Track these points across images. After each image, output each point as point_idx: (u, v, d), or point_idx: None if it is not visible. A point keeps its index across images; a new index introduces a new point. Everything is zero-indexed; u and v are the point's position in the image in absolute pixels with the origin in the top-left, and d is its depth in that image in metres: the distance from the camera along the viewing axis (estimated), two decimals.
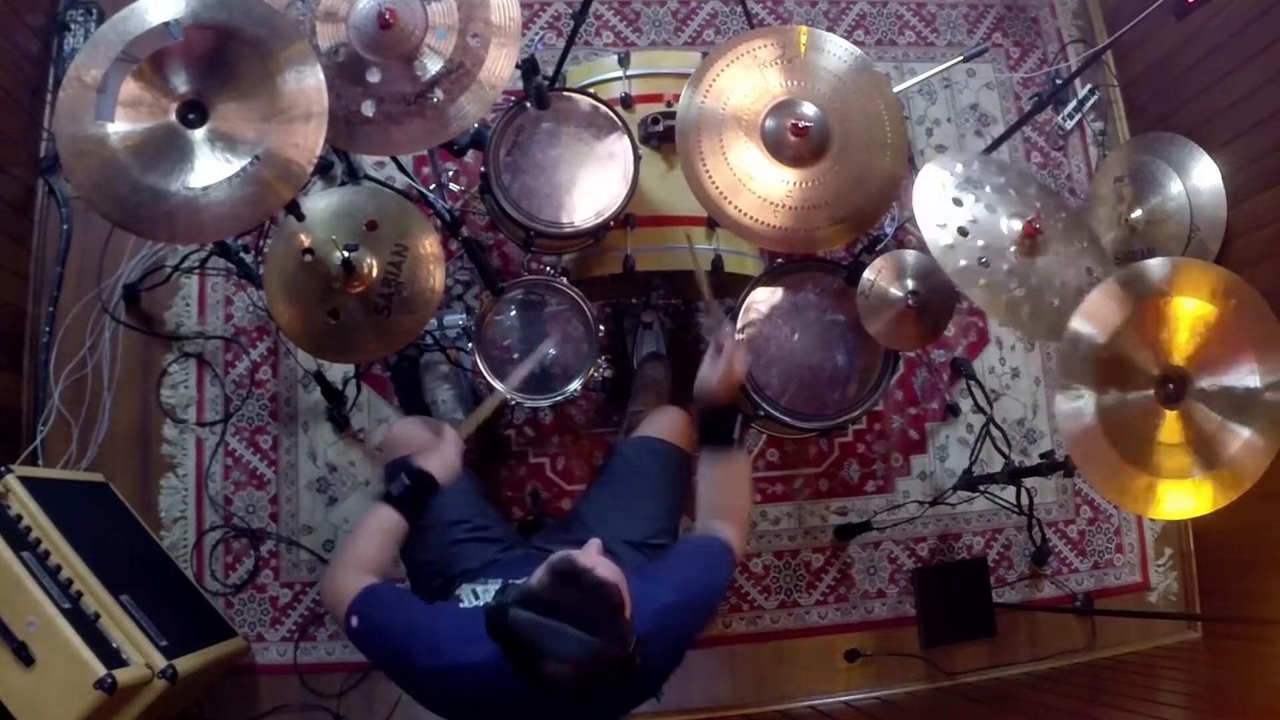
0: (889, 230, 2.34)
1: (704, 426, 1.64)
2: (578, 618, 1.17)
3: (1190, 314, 1.72)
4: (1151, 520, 2.75)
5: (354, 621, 1.40)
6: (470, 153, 2.13)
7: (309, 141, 1.48)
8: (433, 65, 1.63)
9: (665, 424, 1.99)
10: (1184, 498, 1.68)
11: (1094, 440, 1.68)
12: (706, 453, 1.62)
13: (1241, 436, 1.68)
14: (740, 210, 1.77)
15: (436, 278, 1.80)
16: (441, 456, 1.64)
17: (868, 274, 2.06)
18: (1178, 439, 1.69)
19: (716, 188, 1.76)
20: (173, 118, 1.48)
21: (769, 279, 2.14)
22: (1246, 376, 1.70)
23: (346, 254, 1.70)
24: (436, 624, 1.40)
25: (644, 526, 1.81)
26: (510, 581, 1.38)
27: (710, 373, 1.58)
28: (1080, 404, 1.69)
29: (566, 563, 1.22)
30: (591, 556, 1.25)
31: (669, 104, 2.10)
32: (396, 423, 1.94)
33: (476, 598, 1.52)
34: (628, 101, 2.11)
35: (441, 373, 2.38)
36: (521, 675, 1.22)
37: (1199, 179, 2.56)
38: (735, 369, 1.57)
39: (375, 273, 1.78)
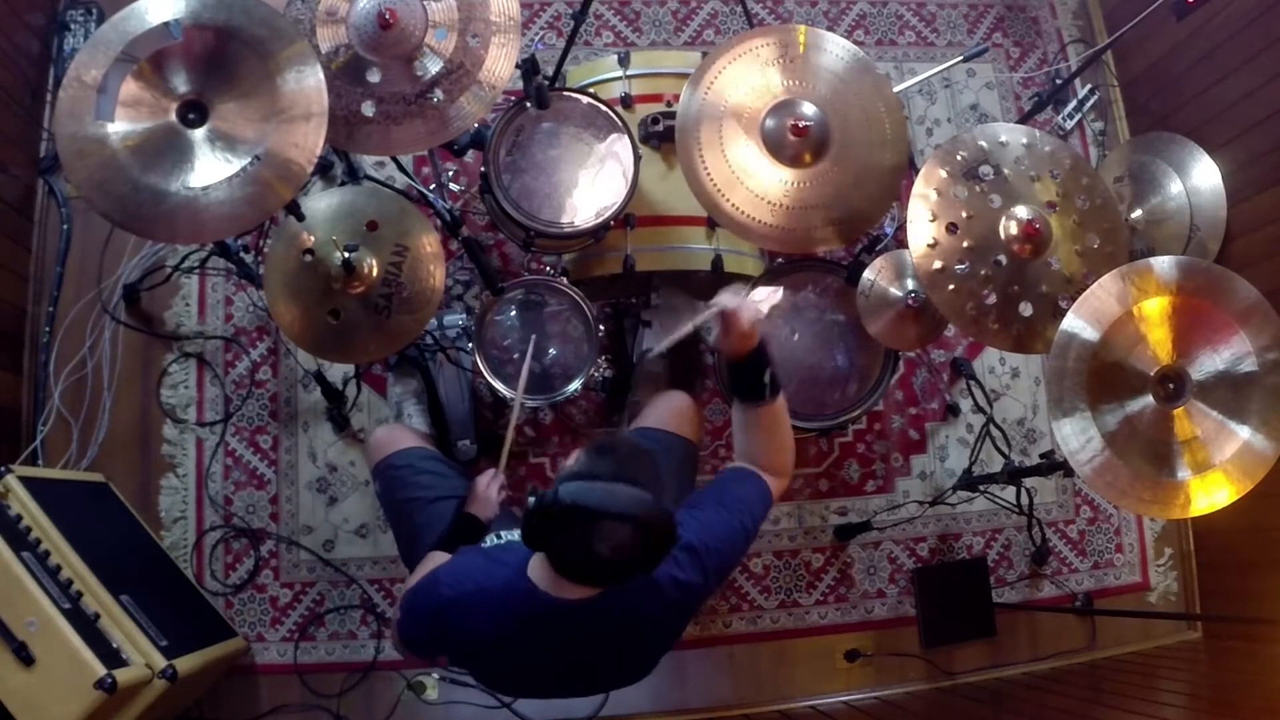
0: (889, 230, 2.34)
1: (734, 380, 1.58)
2: (626, 478, 1.20)
3: (1157, 310, 1.71)
4: (1152, 520, 2.76)
5: (398, 614, 1.44)
6: (470, 153, 2.13)
7: (309, 141, 1.48)
8: (433, 65, 1.63)
9: (669, 414, 1.96)
10: (1217, 488, 1.67)
11: (1114, 469, 1.67)
12: (738, 409, 1.57)
13: (1252, 408, 1.68)
14: (739, 209, 1.77)
15: (436, 278, 1.80)
16: (480, 498, 1.73)
17: (868, 274, 2.06)
18: (1193, 432, 1.68)
19: (715, 187, 1.76)
20: (173, 118, 1.48)
21: (769, 279, 2.14)
22: (1239, 354, 1.69)
23: (347, 254, 1.70)
24: (460, 562, 1.44)
25: None
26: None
27: (721, 340, 1.51)
28: (1085, 434, 1.68)
29: (601, 436, 1.27)
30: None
31: (669, 104, 2.10)
32: (377, 429, 1.96)
33: (499, 538, 1.56)
34: (628, 101, 2.11)
35: (413, 389, 2.39)
36: (574, 561, 1.23)
37: (1199, 179, 2.56)
38: (740, 318, 1.45)
39: (375, 273, 1.78)
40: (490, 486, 1.75)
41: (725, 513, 1.46)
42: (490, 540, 1.59)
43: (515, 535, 1.58)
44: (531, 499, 1.24)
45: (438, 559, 1.61)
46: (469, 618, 1.36)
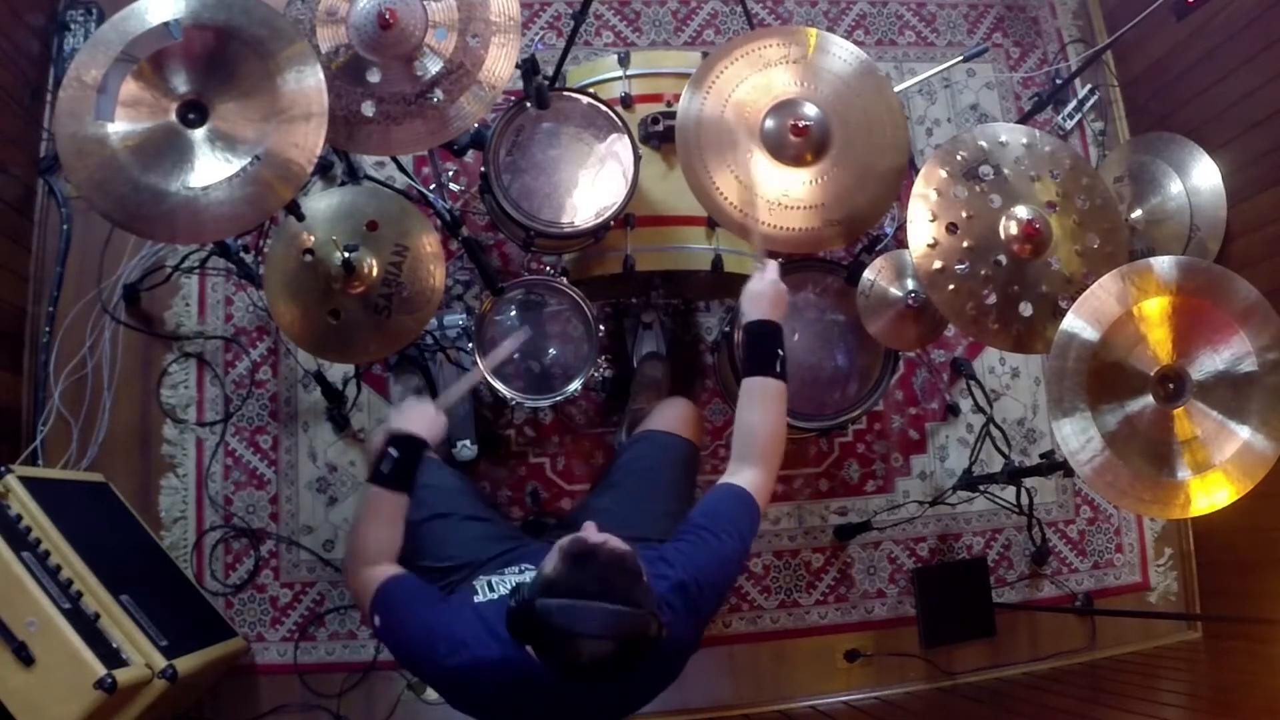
0: (889, 230, 2.34)
1: (748, 348, 1.62)
2: (604, 592, 1.19)
3: (1157, 310, 1.70)
4: (1152, 520, 2.76)
5: (377, 621, 1.42)
6: (470, 153, 2.13)
7: (309, 141, 1.48)
8: (433, 65, 1.63)
9: (673, 417, 1.98)
10: (1217, 488, 1.66)
11: (1114, 469, 1.66)
12: (748, 379, 1.59)
13: (1252, 408, 1.67)
14: (739, 209, 1.77)
15: (436, 278, 1.80)
16: (423, 417, 1.61)
17: (868, 274, 2.06)
18: (1193, 432, 1.68)
19: (715, 187, 1.76)
20: (173, 118, 1.48)
21: None
22: (1239, 354, 1.69)
23: (347, 254, 1.70)
24: (455, 621, 1.40)
25: (655, 524, 1.76)
26: (521, 583, 1.38)
27: (759, 284, 1.61)
28: (1085, 434, 1.68)
29: (578, 543, 1.25)
30: (598, 534, 1.27)
31: (669, 104, 2.10)
32: (377, 432, 1.94)
33: (492, 589, 1.50)
34: (628, 101, 2.11)
35: (414, 386, 2.39)
36: (556, 666, 1.23)
37: (1199, 179, 2.56)
38: (781, 285, 1.62)
39: (375, 273, 1.78)
40: (431, 409, 1.63)
41: (714, 539, 1.45)
42: (482, 590, 1.50)
43: (507, 584, 1.50)
44: (513, 603, 1.25)
45: (382, 502, 1.53)
46: (467, 684, 1.37)
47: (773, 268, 1.67)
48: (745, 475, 1.53)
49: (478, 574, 1.58)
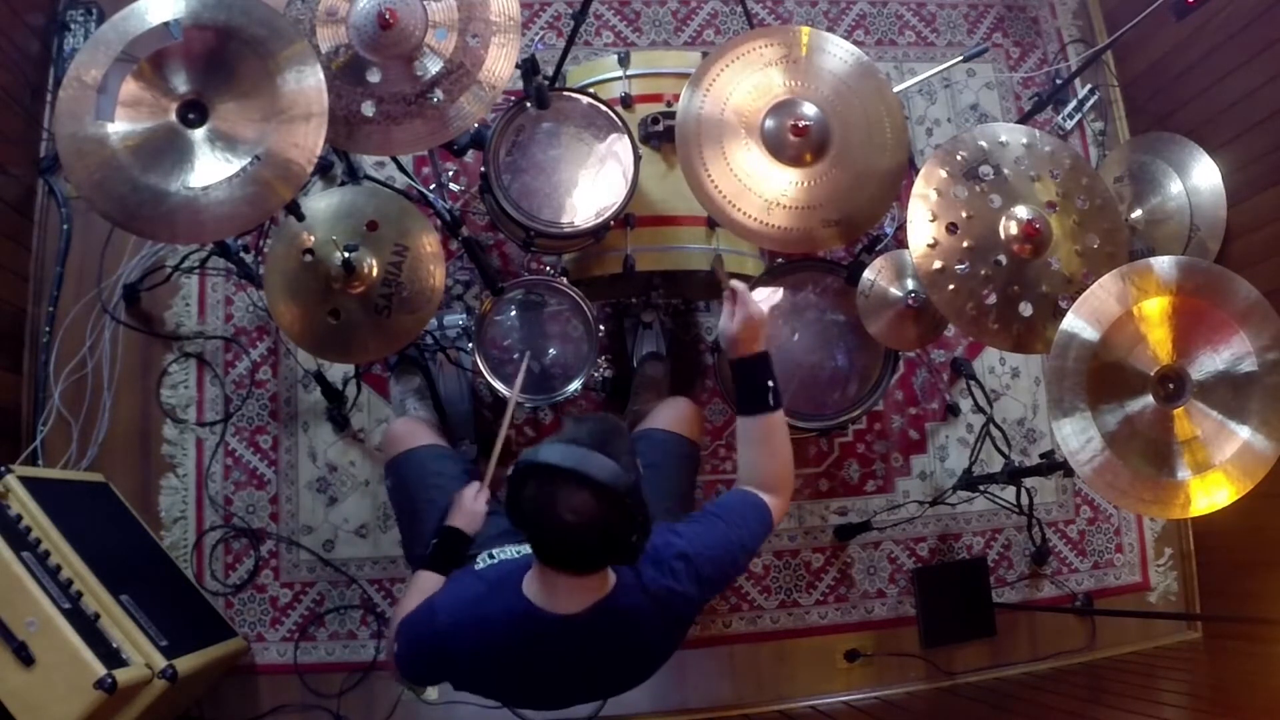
0: (889, 230, 2.34)
1: (738, 386, 1.58)
2: (596, 444, 1.22)
3: (1157, 310, 1.70)
4: (1152, 520, 2.76)
5: (396, 647, 1.44)
6: (470, 153, 2.13)
7: (309, 141, 1.48)
8: (433, 65, 1.63)
9: (672, 415, 1.98)
10: (1217, 488, 1.66)
11: (1114, 470, 1.66)
12: (741, 420, 1.57)
13: (1252, 408, 1.67)
14: (739, 210, 1.77)
15: (436, 278, 1.80)
16: (465, 511, 1.72)
17: (868, 274, 2.06)
18: (1193, 432, 1.68)
19: (715, 187, 1.76)
20: (173, 118, 1.48)
21: (769, 279, 2.14)
22: (1239, 354, 1.69)
23: (346, 254, 1.70)
24: (456, 589, 1.44)
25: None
26: (523, 549, 1.42)
27: (728, 322, 1.54)
28: (1085, 434, 1.67)
29: (570, 416, 1.30)
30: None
31: (669, 104, 2.10)
32: (395, 421, 1.97)
33: (492, 558, 1.55)
34: (628, 101, 2.11)
35: (415, 386, 2.39)
36: (545, 544, 1.23)
37: (1199, 179, 2.56)
38: (751, 310, 1.52)
39: (375, 273, 1.78)
40: (477, 500, 1.74)
41: (722, 525, 1.47)
42: (483, 560, 1.57)
43: (506, 554, 1.57)
44: (510, 472, 1.26)
45: (426, 580, 1.62)
46: (470, 643, 1.37)
47: (743, 297, 1.54)
48: (761, 494, 1.54)
49: (480, 551, 1.62)
